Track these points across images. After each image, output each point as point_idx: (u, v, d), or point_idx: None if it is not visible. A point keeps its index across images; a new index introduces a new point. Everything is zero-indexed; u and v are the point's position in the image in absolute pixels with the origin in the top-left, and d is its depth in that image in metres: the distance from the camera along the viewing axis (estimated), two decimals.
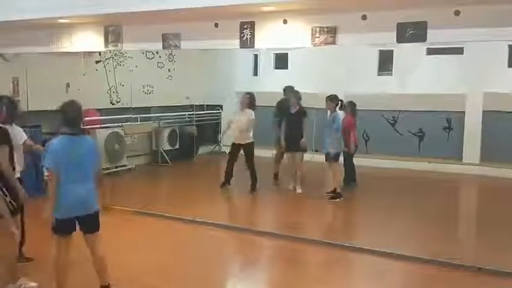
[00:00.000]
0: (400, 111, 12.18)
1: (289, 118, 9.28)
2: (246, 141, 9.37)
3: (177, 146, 12.84)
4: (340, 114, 9.10)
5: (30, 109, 8.98)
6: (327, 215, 8.64)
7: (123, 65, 11.81)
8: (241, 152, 9.49)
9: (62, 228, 4.44)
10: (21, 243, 5.43)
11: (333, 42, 6.32)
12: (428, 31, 5.94)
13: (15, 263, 4.97)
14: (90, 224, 4.55)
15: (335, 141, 8.74)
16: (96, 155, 4.63)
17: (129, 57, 11.80)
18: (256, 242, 6.89)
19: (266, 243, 6.82)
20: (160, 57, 12.69)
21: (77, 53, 9.57)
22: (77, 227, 4.55)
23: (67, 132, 4.38)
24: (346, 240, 6.72)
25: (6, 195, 4.50)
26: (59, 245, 4.52)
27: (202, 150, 13.79)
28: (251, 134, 9.40)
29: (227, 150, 13.19)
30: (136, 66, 12.02)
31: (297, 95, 9.35)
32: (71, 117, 4.42)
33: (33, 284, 4.98)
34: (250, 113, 9.36)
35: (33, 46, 8.67)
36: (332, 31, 6.29)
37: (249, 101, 9.40)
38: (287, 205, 8.92)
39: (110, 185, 9.06)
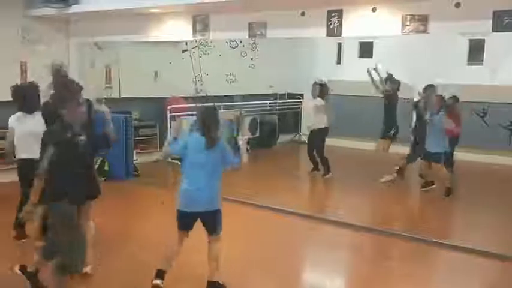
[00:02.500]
0: (490, 102, 11.62)
1: (384, 104, 9.19)
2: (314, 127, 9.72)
3: (257, 134, 12.97)
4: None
5: (122, 96, 9.37)
6: (410, 208, 8.46)
7: (208, 54, 12.03)
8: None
9: (180, 221, 4.63)
10: None
11: (424, 31, 6.11)
12: None
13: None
14: (209, 222, 4.64)
15: (440, 140, 8.37)
16: (224, 156, 4.63)
17: (213, 46, 12.00)
18: (338, 233, 6.81)
19: (350, 234, 6.73)
20: (243, 46, 12.80)
21: (165, 42, 9.86)
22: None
23: (200, 132, 4.57)
24: (431, 235, 6.52)
25: None
26: (177, 238, 4.71)
27: (282, 138, 13.84)
28: (319, 120, 9.58)
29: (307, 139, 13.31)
30: (220, 55, 12.20)
31: (394, 82, 9.23)
32: (206, 121, 4.58)
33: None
34: (318, 101, 9.59)
35: (125, 35, 9.01)
36: (423, 19, 6.09)
37: (319, 90, 9.61)
38: (375, 196, 8.78)
39: None
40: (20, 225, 5.89)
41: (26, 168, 5.28)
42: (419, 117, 8.96)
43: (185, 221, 4.61)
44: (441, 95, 8.62)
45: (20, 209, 5.83)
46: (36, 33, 9.11)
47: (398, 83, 9.29)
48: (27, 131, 5.48)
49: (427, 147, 8.49)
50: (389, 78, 9.30)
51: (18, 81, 8.46)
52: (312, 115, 9.80)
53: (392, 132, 9.25)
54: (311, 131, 9.82)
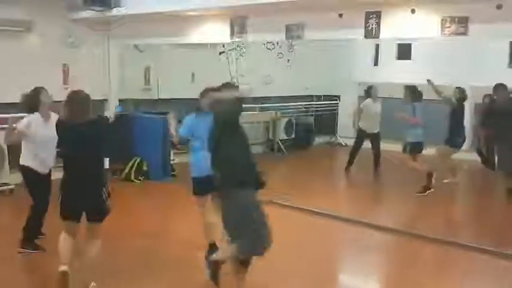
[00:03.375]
0: None
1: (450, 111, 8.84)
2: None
3: (293, 136, 12.98)
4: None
5: (161, 97, 9.52)
6: (450, 212, 8.33)
7: (244, 55, 12.08)
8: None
9: (199, 186, 5.23)
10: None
11: (464, 33, 6.03)
12: None
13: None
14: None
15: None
16: None
17: (250, 48, 12.04)
18: (369, 235, 6.76)
19: (382, 237, 6.69)
20: (280, 47, 12.79)
21: (203, 44, 9.96)
22: None
23: (197, 111, 5.44)
24: (462, 238, 6.43)
25: None
26: (199, 205, 5.35)
27: (317, 140, 13.81)
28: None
29: (343, 141, 13.29)
30: (256, 57, 12.24)
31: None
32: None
33: None
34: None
35: (164, 37, 9.16)
36: (463, 21, 6.01)
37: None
38: (414, 201, 8.61)
39: None
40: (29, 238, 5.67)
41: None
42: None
43: (203, 184, 5.10)
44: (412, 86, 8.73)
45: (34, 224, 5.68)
46: (77, 36, 9.34)
47: (463, 89, 9.01)
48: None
49: (406, 138, 8.59)
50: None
51: (61, 84, 8.78)
52: (372, 117, 10.05)
53: (461, 140, 8.72)
54: (373, 133, 10.06)
